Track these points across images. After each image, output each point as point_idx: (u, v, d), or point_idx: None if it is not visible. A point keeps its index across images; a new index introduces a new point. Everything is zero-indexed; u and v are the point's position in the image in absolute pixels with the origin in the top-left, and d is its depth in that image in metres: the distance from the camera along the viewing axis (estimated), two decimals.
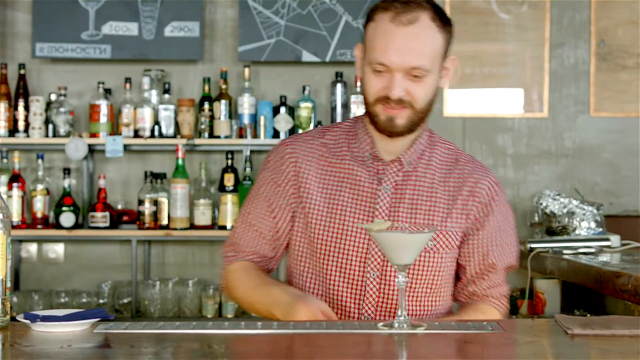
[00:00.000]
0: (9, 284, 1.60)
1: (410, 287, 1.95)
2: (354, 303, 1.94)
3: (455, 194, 1.98)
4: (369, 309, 1.94)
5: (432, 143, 2.03)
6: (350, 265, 1.94)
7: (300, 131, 3.82)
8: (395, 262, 1.65)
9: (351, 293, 1.95)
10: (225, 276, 2.07)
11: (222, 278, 2.09)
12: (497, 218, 2.01)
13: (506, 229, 2.03)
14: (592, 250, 3.37)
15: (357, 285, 1.94)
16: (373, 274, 1.94)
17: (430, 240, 1.93)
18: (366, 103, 1.96)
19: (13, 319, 1.61)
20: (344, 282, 1.95)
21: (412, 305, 1.97)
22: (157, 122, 4.10)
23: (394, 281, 1.93)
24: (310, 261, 1.99)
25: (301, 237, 1.99)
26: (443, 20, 1.91)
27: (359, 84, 4.06)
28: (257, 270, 2.02)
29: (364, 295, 1.94)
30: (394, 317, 1.91)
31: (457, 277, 2.04)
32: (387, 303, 1.94)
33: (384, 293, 1.94)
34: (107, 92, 4.15)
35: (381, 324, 1.63)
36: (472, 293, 2.02)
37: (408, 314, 1.85)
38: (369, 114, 1.96)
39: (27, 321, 1.56)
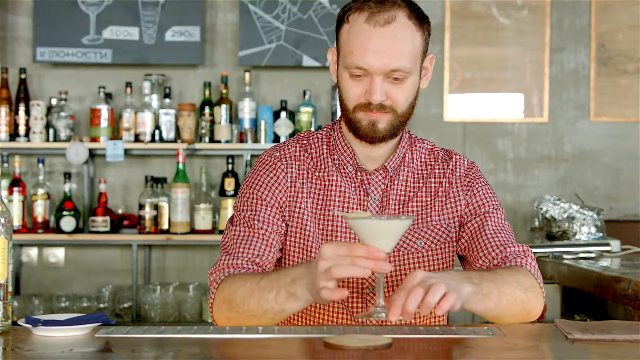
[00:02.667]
0: (10, 289, 1.60)
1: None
2: (360, 305, 1.89)
3: (437, 188, 1.94)
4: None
5: (411, 144, 1.99)
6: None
7: None
8: None
9: (354, 298, 1.92)
10: (218, 293, 1.89)
11: (214, 298, 1.92)
12: (481, 196, 1.94)
13: (493, 201, 1.94)
14: (592, 255, 3.37)
15: (358, 296, 1.88)
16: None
17: (419, 239, 1.89)
18: (345, 110, 1.88)
19: (14, 323, 1.61)
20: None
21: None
22: (157, 126, 4.11)
23: (399, 276, 1.88)
24: None
25: (294, 249, 1.91)
26: (420, 18, 1.82)
27: None
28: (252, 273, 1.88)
29: (367, 299, 1.89)
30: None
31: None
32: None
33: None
34: (108, 96, 4.15)
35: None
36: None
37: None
38: (349, 121, 1.88)
39: (29, 325, 1.56)
